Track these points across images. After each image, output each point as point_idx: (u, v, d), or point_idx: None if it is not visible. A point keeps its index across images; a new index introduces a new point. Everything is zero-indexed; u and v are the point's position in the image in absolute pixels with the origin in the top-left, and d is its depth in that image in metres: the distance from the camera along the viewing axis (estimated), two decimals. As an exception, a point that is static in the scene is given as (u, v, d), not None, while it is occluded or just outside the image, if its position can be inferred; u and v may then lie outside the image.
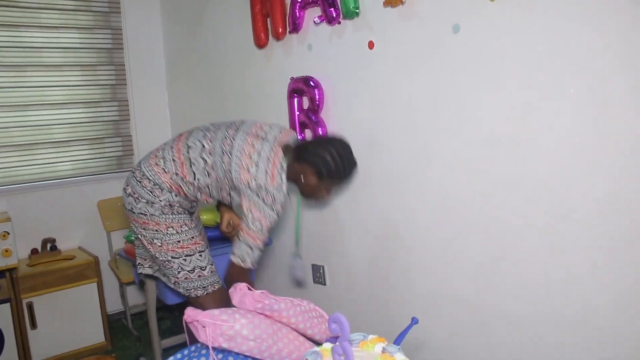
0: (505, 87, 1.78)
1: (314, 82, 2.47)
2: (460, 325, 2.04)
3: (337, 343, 1.31)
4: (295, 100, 2.58)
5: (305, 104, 2.56)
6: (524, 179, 1.77)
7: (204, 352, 1.56)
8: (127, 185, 2.10)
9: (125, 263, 3.33)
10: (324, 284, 2.71)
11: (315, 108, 2.48)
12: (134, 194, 2.06)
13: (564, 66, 1.63)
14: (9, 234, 3.00)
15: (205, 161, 2.00)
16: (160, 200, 2.03)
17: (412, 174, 2.14)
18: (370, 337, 1.40)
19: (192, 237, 2.08)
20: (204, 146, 2.01)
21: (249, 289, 1.64)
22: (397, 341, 1.42)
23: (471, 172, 1.92)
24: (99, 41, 3.63)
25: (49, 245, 3.40)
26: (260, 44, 2.79)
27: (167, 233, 2.06)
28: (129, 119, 3.78)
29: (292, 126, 2.61)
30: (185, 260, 2.07)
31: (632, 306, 1.57)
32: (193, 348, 1.61)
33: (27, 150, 3.40)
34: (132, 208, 2.07)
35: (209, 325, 1.45)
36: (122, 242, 3.30)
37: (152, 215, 2.05)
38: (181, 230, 2.07)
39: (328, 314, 1.72)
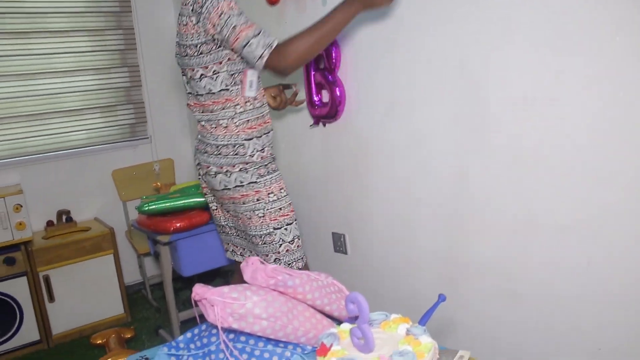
0: (536, 46, 1.60)
1: (329, 39, 2.30)
2: (492, 298, 1.90)
3: (356, 324, 1.19)
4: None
5: (321, 63, 2.40)
6: (559, 142, 1.60)
7: (214, 331, 1.45)
8: (209, 166, 1.94)
9: (141, 234, 3.25)
10: (345, 253, 2.59)
11: (331, 67, 2.32)
12: (222, 168, 1.91)
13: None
14: (21, 206, 2.93)
15: (204, 75, 1.86)
16: (251, 156, 1.89)
17: (436, 135, 1.98)
18: (393, 316, 1.28)
19: (290, 203, 1.98)
20: (191, 76, 1.90)
21: (262, 262, 1.52)
22: (423, 321, 1.29)
23: (500, 135, 1.76)
24: (106, 4, 3.49)
25: (64, 217, 3.34)
26: (272, 0, 2.63)
27: (268, 201, 1.92)
28: (141, 85, 3.65)
29: (308, 87, 2.46)
30: (286, 229, 1.95)
31: None
32: (204, 327, 1.51)
33: (37, 120, 3.31)
34: (225, 185, 1.92)
35: (217, 303, 1.33)
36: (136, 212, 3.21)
37: (250, 183, 1.91)
38: (281, 196, 1.95)
39: (348, 286, 1.60)
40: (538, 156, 1.67)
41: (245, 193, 1.90)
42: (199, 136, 1.98)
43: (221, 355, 1.39)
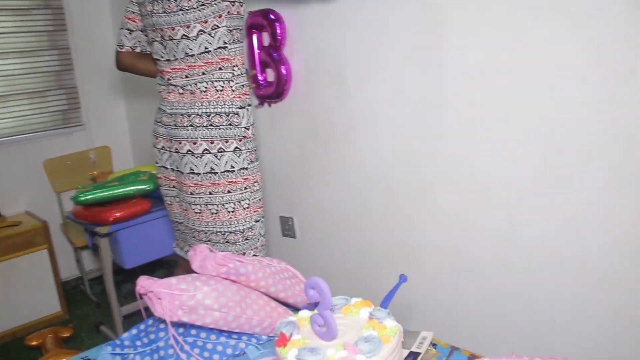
0: (494, 9, 1.57)
1: (274, 16, 2.21)
2: (446, 276, 1.87)
3: (316, 311, 1.12)
4: (255, 36, 2.31)
5: (266, 40, 2.30)
6: (514, 112, 1.58)
7: (162, 326, 1.35)
8: (194, 144, 1.70)
9: (78, 227, 3.07)
10: (294, 237, 2.52)
11: (277, 44, 2.22)
12: (213, 144, 1.69)
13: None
14: (-58, 201, 2.71)
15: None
16: (246, 129, 1.71)
17: (388, 114, 1.93)
18: (354, 300, 1.21)
19: (262, 196, 1.83)
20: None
21: (210, 250, 1.43)
22: (385, 304, 1.24)
23: (452, 108, 1.72)
24: (30, -18, 3.25)
25: (-9, 212, 3.11)
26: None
27: (254, 190, 1.76)
28: (72, 69, 3.44)
29: (252, 66, 2.35)
30: (262, 222, 1.81)
31: (633, 249, 1.42)
32: (150, 322, 1.40)
33: (-44, 107, 3.06)
34: (212, 168, 1.70)
35: (165, 296, 1.23)
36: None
37: (241, 169, 1.72)
38: (260, 186, 1.80)
39: (300, 271, 1.53)
40: (490, 130, 1.64)
41: (234, 180, 1.73)
42: (173, 107, 1.74)
43: (171, 351, 1.29)
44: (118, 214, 2.29)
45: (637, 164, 1.37)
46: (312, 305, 1.20)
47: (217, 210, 1.74)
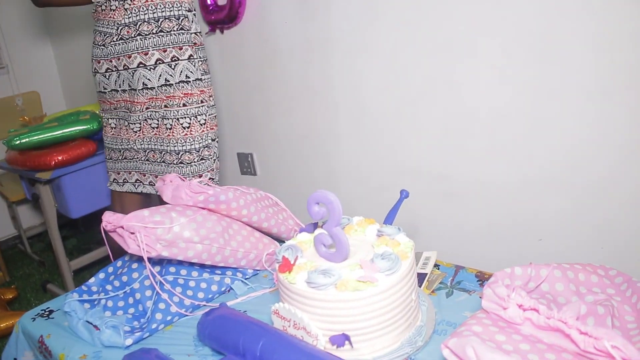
0: None
1: None
2: (428, 201, 1.78)
3: (321, 231, 1.00)
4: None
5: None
6: (495, 29, 1.47)
7: (135, 266, 1.20)
8: (146, 54, 1.57)
9: (12, 177, 2.79)
10: (254, 174, 2.37)
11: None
12: (165, 53, 1.57)
13: None
14: None
15: None
16: (197, 34, 1.63)
17: (358, 30, 1.78)
18: (356, 219, 1.10)
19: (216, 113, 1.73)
20: None
21: (182, 179, 1.27)
22: (388, 220, 1.13)
23: (430, 23, 1.59)
24: None
25: None
26: None
27: (210, 105, 1.66)
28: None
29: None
30: (217, 143, 1.71)
31: (623, 164, 1.36)
32: (119, 263, 1.25)
33: None
34: (167, 80, 1.58)
35: (139, 230, 1.08)
36: (3, 150, 2.71)
37: (196, 80, 1.60)
38: (214, 102, 1.69)
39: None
40: (460, 55, 1.53)
41: (189, 92, 1.60)
42: (116, 22, 1.60)
43: (148, 293, 1.15)
44: (61, 157, 2.05)
45: (621, 70, 1.29)
46: (312, 227, 1.08)
47: (171, 125, 1.61)
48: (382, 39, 1.72)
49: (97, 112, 2.25)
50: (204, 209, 1.21)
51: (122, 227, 1.10)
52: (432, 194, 1.75)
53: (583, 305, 0.78)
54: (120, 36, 1.58)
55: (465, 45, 1.53)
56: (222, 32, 2.18)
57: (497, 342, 0.70)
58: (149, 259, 1.11)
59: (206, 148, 1.64)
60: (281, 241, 1.35)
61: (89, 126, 2.12)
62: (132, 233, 1.09)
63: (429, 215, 1.78)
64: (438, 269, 1.21)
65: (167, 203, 1.22)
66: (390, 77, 1.74)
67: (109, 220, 1.12)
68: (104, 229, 1.13)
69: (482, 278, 1.14)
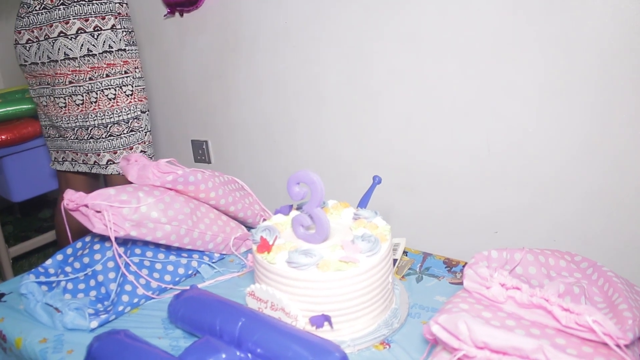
0: None
1: None
2: (390, 193, 1.80)
3: (300, 211, 0.99)
4: None
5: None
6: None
7: (97, 247, 1.14)
8: (67, 23, 1.53)
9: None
10: (208, 162, 2.32)
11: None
12: (87, 23, 1.54)
13: None
14: None
15: None
16: (121, 4, 1.61)
17: (321, 18, 1.77)
18: (331, 202, 1.10)
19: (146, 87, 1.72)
20: None
21: (148, 157, 1.23)
22: (362, 205, 1.13)
23: (393, 11, 1.61)
24: None
25: None
26: None
27: (136, 76, 1.63)
28: None
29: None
30: (148, 115, 1.68)
31: (578, 162, 1.42)
32: (79, 245, 1.19)
33: None
34: (90, 50, 1.55)
35: (105, 208, 1.03)
36: None
37: (118, 50, 1.57)
38: (142, 75, 1.67)
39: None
40: (426, 49, 1.55)
41: (112, 62, 1.57)
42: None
43: (111, 275, 1.10)
44: (4, 137, 1.94)
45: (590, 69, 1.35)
46: (287, 209, 1.07)
47: (96, 97, 1.59)
48: (346, 29, 1.72)
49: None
50: (171, 189, 1.17)
51: (86, 206, 1.06)
52: (392, 186, 1.77)
53: (561, 284, 0.81)
54: (43, 5, 1.55)
55: (432, 39, 1.55)
56: (181, 15, 2.12)
57: (484, 318, 0.72)
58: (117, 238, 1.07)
59: (135, 120, 1.63)
60: (247, 226, 1.33)
61: (35, 105, 2.01)
62: (98, 212, 1.04)
63: (391, 205, 1.80)
64: (406, 255, 1.22)
65: (128, 183, 1.18)
66: (353, 68, 1.74)
67: (72, 198, 1.07)
68: (64, 207, 1.08)
69: (450, 265, 1.16)
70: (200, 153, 2.33)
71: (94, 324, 0.98)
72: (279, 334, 0.82)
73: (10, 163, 2.04)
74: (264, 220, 1.34)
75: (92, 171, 1.67)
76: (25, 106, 2.01)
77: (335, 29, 1.74)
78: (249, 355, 0.82)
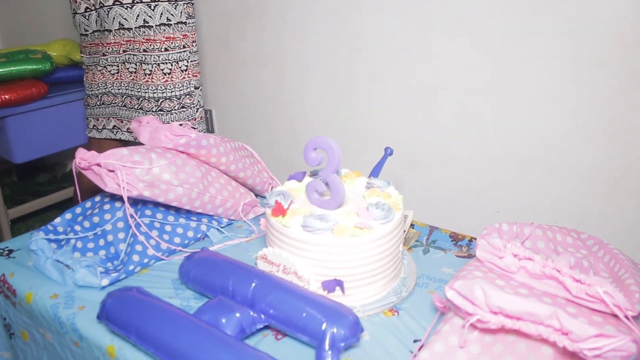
0: None
1: None
2: (393, 169, 1.80)
3: (316, 177, 1.00)
4: None
5: None
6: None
7: (106, 207, 1.15)
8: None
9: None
10: (212, 132, 2.32)
11: None
12: None
13: None
14: None
15: None
16: None
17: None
18: (344, 171, 1.11)
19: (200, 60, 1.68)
20: None
21: (160, 121, 1.23)
22: (374, 174, 1.14)
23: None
24: None
25: None
26: None
27: (193, 51, 1.58)
28: None
29: None
30: (201, 91, 1.65)
31: (580, 144, 1.43)
32: (89, 204, 1.20)
33: None
34: (146, 21, 1.50)
35: (119, 168, 1.04)
36: None
37: (179, 23, 1.51)
38: (197, 48, 1.62)
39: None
40: (438, 28, 1.55)
41: (171, 35, 1.52)
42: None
43: (121, 235, 1.11)
44: (7, 96, 1.92)
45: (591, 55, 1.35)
46: (300, 175, 1.07)
47: (150, 71, 1.54)
48: (357, 3, 1.71)
49: (47, 52, 2.13)
50: (182, 152, 1.18)
51: (98, 165, 1.06)
52: (398, 161, 1.78)
53: (572, 257, 0.83)
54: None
55: (444, 16, 1.55)
56: (188, -19, 2.10)
57: (498, 286, 0.73)
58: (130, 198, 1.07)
59: (188, 96, 1.59)
60: (255, 194, 1.34)
61: (40, 66, 1.99)
62: (111, 171, 1.04)
63: (397, 180, 1.80)
64: (413, 227, 1.24)
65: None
66: (364, 43, 1.74)
67: (84, 157, 1.07)
68: (76, 165, 1.08)
69: (457, 238, 1.18)
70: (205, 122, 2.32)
71: (105, 281, 0.99)
72: (292, 296, 0.83)
73: (13, 123, 2.03)
74: (272, 188, 1.34)
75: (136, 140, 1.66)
76: (30, 66, 1.99)
77: (351, 5, 1.73)
78: (262, 316, 0.83)
